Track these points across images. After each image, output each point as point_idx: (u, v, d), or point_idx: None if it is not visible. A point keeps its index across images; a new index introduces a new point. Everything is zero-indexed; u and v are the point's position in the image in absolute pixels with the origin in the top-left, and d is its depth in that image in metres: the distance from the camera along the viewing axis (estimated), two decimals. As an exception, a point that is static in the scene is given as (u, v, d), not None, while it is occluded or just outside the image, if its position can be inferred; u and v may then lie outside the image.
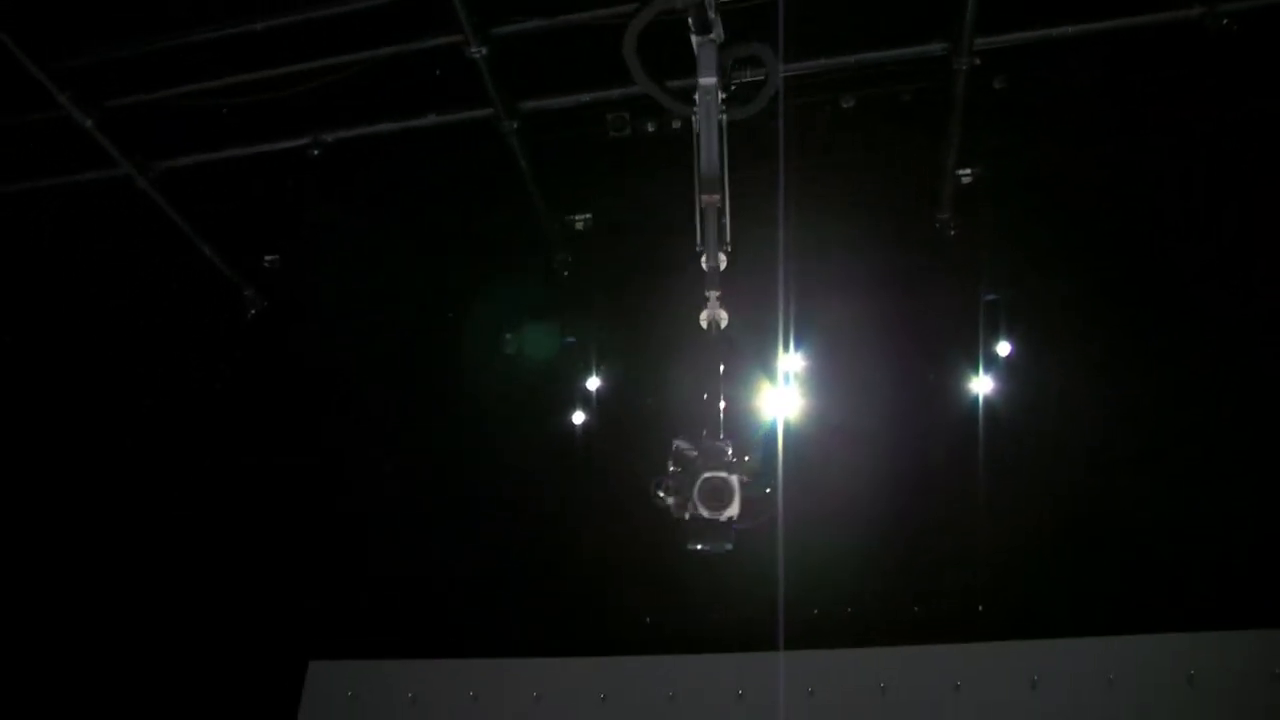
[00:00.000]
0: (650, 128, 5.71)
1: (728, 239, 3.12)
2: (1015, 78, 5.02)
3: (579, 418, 6.96)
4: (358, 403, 6.87)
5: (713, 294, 3.07)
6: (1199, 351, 6.16)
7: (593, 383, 6.91)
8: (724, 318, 3.04)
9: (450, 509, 6.92)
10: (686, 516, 2.74)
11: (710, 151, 2.91)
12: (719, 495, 2.61)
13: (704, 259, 3.10)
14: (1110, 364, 6.35)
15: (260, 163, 5.69)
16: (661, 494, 2.79)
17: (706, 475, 2.62)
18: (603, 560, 6.67)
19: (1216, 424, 6.22)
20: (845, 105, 5.46)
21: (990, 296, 6.41)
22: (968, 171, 5.67)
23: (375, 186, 6.02)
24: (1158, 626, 6.16)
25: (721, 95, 2.86)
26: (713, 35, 2.78)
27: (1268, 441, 6.11)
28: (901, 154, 5.57)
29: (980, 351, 6.46)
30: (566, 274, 6.46)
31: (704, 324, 3.06)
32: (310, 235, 6.33)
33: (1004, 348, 6.46)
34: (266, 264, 6.65)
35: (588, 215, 6.38)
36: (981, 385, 6.53)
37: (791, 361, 6.38)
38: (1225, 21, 4.28)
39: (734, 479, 2.62)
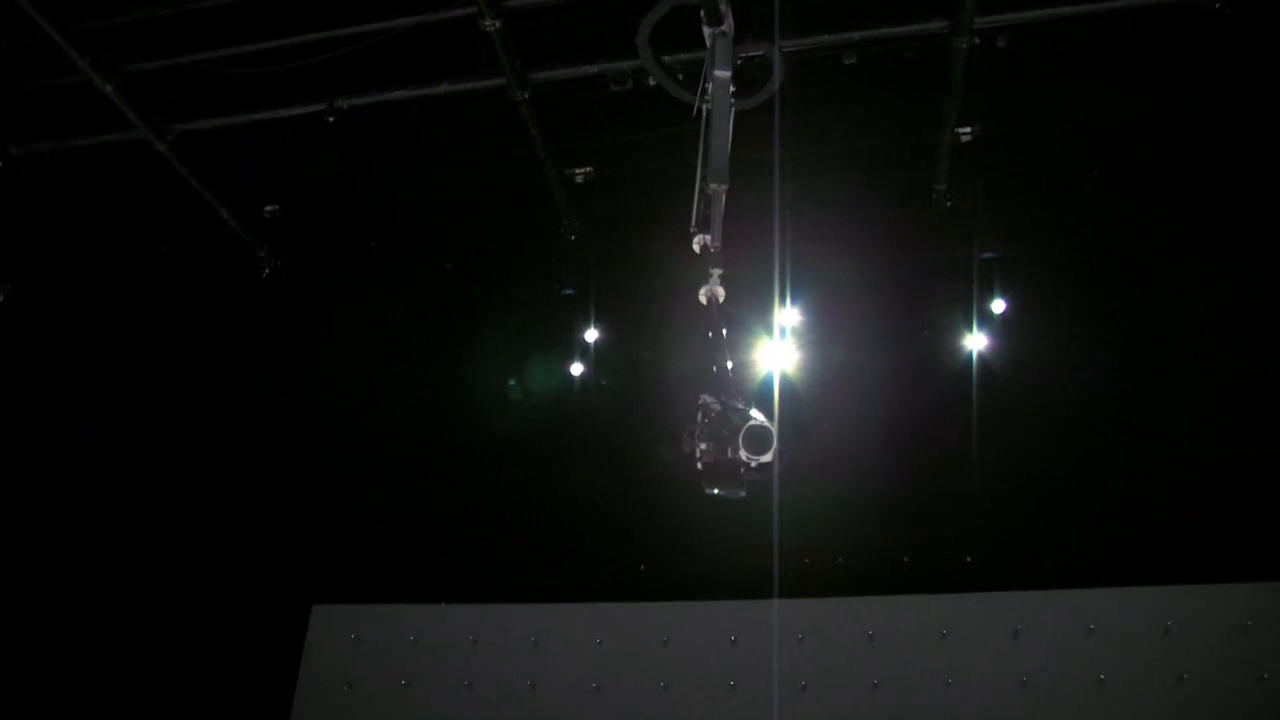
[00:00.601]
0: (651, 82, 5.68)
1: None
2: (1017, 42, 5.02)
3: (577, 368, 7.03)
4: (364, 353, 6.92)
5: (715, 272, 3.15)
6: (1190, 315, 6.24)
7: (590, 334, 6.97)
8: (722, 294, 3.14)
9: (452, 457, 7.02)
10: (699, 466, 2.89)
11: (721, 143, 2.97)
12: (761, 441, 2.79)
13: (698, 239, 3.17)
14: (1102, 325, 6.44)
15: (276, 127, 5.68)
16: (691, 440, 2.96)
17: (751, 423, 2.79)
18: (599, 509, 6.79)
19: (1202, 386, 6.35)
20: (847, 62, 5.43)
21: (987, 255, 6.48)
22: (968, 130, 5.68)
23: (387, 150, 6.01)
24: (1136, 580, 6.35)
25: (732, 88, 2.92)
26: (724, 27, 2.82)
27: (1250, 404, 6.25)
28: (901, 112, 5.57)
29: (975, 309, 6.55)
30: (573, 238, 6.47)
31: (703, 300, 3.15)
32: (321, 196, 6.32)
33: (998, 306, 6.54)
34: (267, 214, 6.65)
35: (589, 168, 6.37)
36: (975, 343, 6.63)
37: (787, 316, 6.44)
38: (1219, 5, 4.40)
39: (773, 428, 2.80)
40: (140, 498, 7.06)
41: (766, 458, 2.74)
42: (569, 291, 6.97)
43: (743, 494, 2.86)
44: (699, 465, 2.91)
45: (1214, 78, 5.11)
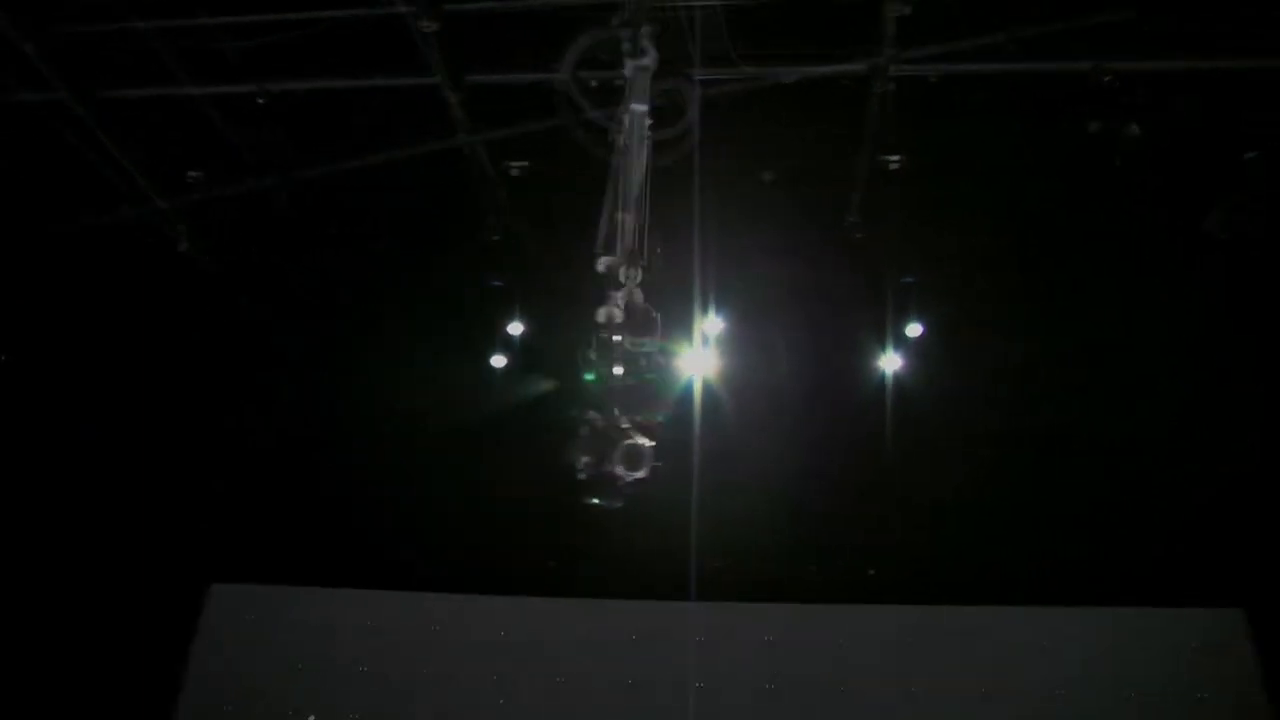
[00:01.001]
0: (593, 83, 5.69)
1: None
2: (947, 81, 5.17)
3: (499, 361, 7.01)
4: (279, 336, 6.80)
5: (615, 294, 3.24)
6: (1100, 341, 6.51)
7: (515, 327, 6.95)
8: (620, 315, 3.23)
9: (366, 445, 6.97)
10: (583, 476, 3.00)
11: (635, 173, 3.06)
12: (636, 459, 2.93)
13: (603, 262, 3.25)
14: (1014, 350, 6.66)
15: (204, 104, 5.52)
16: (575, 454, 3.05)
17: (628, 442, 2.92)
18: (514, 504, 6.80)
19: (1109, 409, 6.64)
20: (787, 81, 5.49)
21: (907, 279, 6.66)
22: (896, 158, 5.82)
23: (317, 138, 5.90)
24: (1030, 600, 6.62)
25: (649, 121, 3.01)
26: (645, 61, 2.90)
27: (1158, 428, 6.53)
28: (835, 135, 5.65)
29: (891, 331, 6.73)
30: (497, 238, 6.44)
31: (601, 319, 3.24)
32: (249, 176, 6.16)
33: (915, 329, 6.72)
34: (190, 179, 6.47)
35: (525, 163, 6.34)
36: (891, 363, 6.81)
37: (711, 326, 6.51)
38: (1108, 79, 4.81)
39: (650, 447, 2.94)
40: (47, 473, 6.83)
41: (641, 474, 2.87)
42: (497, 283, 6.93)
43: (619, 504, 2.98)
44: (580, 476, 3.01)
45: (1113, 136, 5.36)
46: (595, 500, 3.05)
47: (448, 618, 6.67)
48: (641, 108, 2.99)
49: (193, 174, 6.40)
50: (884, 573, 6.97)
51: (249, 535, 6.88)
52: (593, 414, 3.05)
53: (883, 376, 6.87)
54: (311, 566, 6.82)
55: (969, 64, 4.89)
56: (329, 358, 6.96)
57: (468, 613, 6.68)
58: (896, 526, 6.94)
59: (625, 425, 2.99)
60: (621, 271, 3.31)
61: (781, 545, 6.89)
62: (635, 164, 3.09)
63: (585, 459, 3.01)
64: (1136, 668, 6.30)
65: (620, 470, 2.91)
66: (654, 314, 3.08)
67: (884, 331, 6.70)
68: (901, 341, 6.76)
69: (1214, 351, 6.30)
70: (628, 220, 3.17)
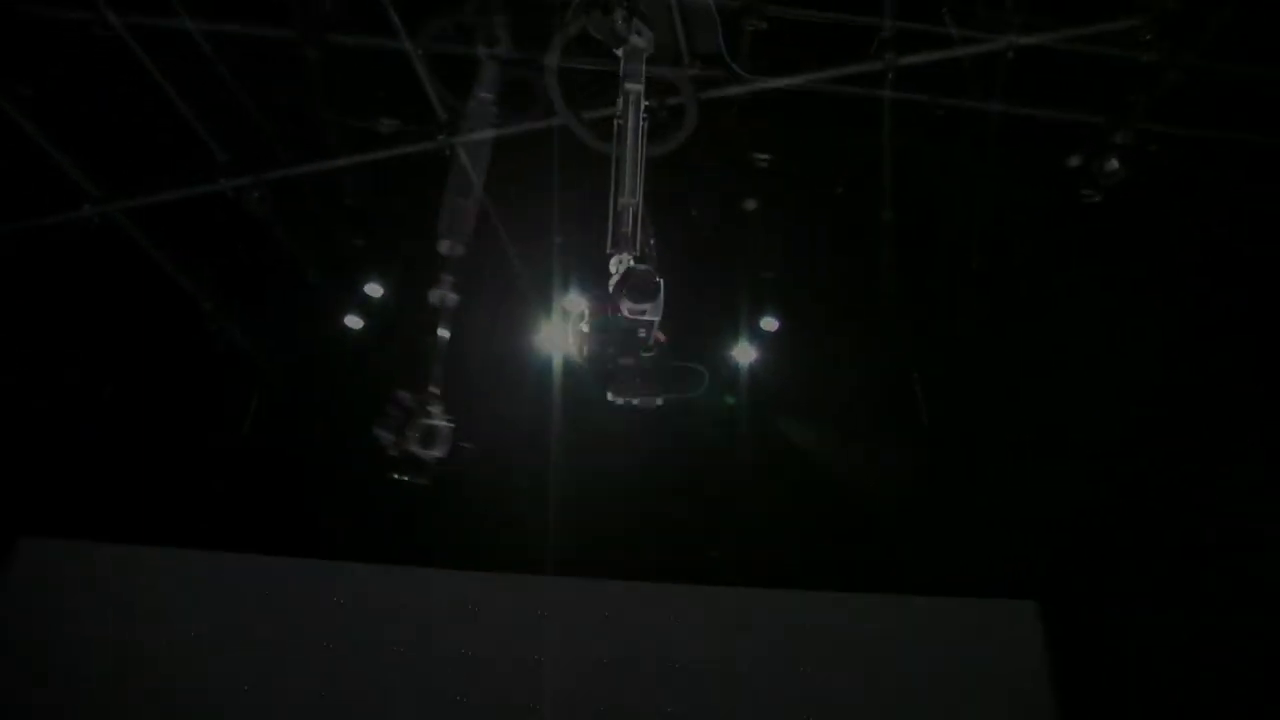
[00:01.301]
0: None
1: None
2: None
3: (355, 322, 6.82)
4: (124, 289, 6.38)
5: (447, 278, 3.26)
6: (955, 336, 6.88)
7: (374, 288, 6.77)
8: (453, 299, 3.26)
9: (210, 403, 6.69)
10: (394, 453, 3.01)
11: (480, 160, 3.07)
12: (432, 438, 2.95)
13: (445, 244, 3.25)
14: (869, 341, 6.99)
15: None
16: (382, 432, 3.07)
17: (425, 421, 2.94)
18: (361, 470, 6.63)
19: (936, 408, 7.06)
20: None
21: (766, 274, 6.87)
22: (765, 157, 5.97)
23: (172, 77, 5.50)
24: (844, 586, 6.98)
25: (494, 111, 3.02)
26: (497, 50, 2.90)
27: (973, 427, 7.01)
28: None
29: (746, 324, 6.94)
30: (348, 202, 6.22)
31: (433, 301, 3.26)
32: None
33: (770, 323, 6.96)
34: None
35: (395, 120, 6.14)
36: (746, 355, 7.03)
37: (571, 304, 6.52)
38: (940, 113, 5.28)
39: (447, 426, 2.96)
40: None
41: (438, 453, 2.92)
42: (359, 242, 6.71)
43: (425, 483, 3.02)
44: (389, 453, 3.03)
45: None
46: (403, 477, 3.08)
47: (272, 580, 6.46)
48: (488, 95, 2.99)
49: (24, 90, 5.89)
50: (725, 555, 7.22)
51: (64, 488, 6.46)
52: (402, 393, 3.06)
53: (737, 367, 7.10)
54: (130, 523, 6.47)
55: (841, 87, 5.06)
56: (171, 305, 6.58)
57: (288, 576, 6.49)
58: (740, 512, 7.21)
59: (436, 406, 3.03)
60: (614, 260, 3.28)
61: (626, 525, 7.01)
62: (480, 152, 3.10)
63: (387, 436, 3.03)
64: (932, 653, 6.74)
65: (417, 449, 2.96)
66: (656, 279, 2.97)
67: (740, 323, 6.91)
68: (758, 334, 7.00)
69: (1038, 353, 6.76)
70: (470, 207, 3.17)
